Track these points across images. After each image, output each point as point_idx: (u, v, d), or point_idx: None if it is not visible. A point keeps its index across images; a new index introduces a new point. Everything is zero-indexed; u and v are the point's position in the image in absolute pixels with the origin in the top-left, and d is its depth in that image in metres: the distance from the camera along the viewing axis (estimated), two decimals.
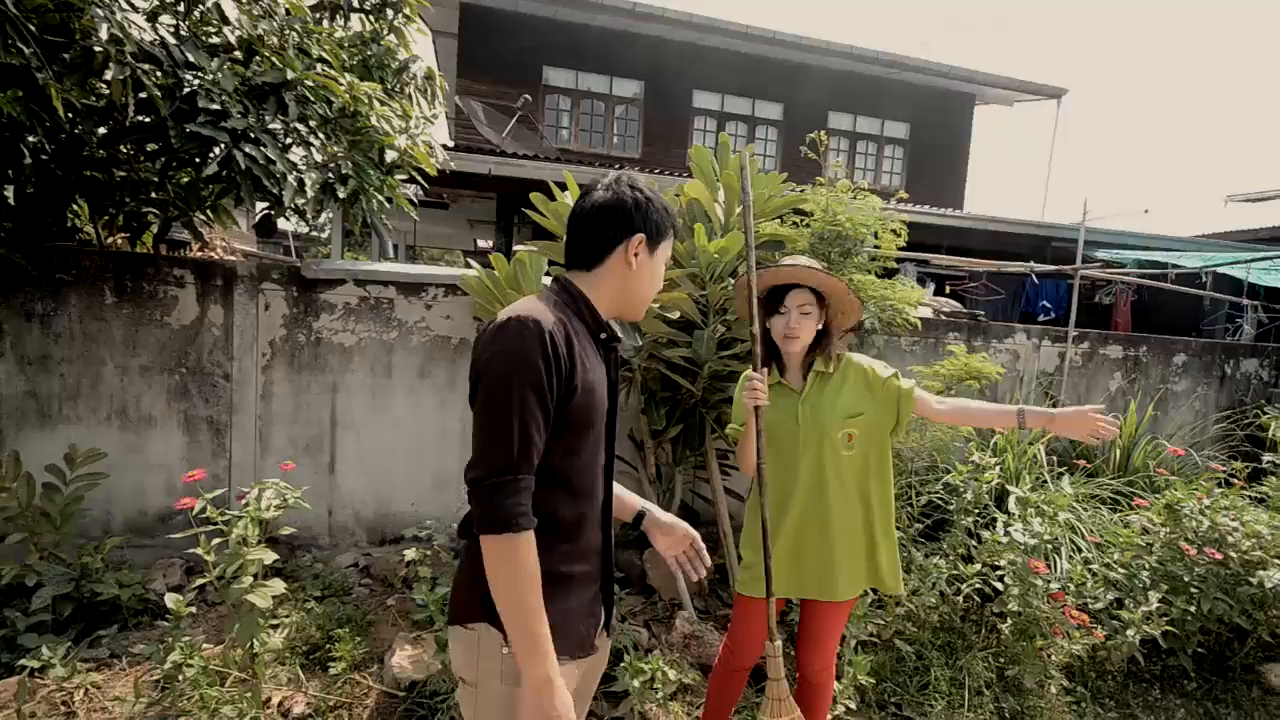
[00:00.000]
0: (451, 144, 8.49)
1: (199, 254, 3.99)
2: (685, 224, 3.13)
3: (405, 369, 3.47)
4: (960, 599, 2.82)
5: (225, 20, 2.46)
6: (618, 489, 1.54)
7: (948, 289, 7.23)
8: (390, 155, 3.42)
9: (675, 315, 2.70)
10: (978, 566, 2.76)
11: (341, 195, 3.20)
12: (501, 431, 1.12)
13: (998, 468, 3.30)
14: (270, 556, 2.34)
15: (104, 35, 1.83)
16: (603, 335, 1.32)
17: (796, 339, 1.92)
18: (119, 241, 3.92)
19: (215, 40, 2.92)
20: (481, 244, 13.04)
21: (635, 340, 2.57)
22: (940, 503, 3.27)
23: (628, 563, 3.31)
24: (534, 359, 1.13)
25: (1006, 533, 2.84)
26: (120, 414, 3.24)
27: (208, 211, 3.55)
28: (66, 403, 3.18)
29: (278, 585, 2.34)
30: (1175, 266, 6.64)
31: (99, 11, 1.80)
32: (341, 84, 3.24)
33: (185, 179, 3.33)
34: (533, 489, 1.15)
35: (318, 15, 4.18)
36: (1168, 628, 2.63)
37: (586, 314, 1.30)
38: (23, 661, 2.28)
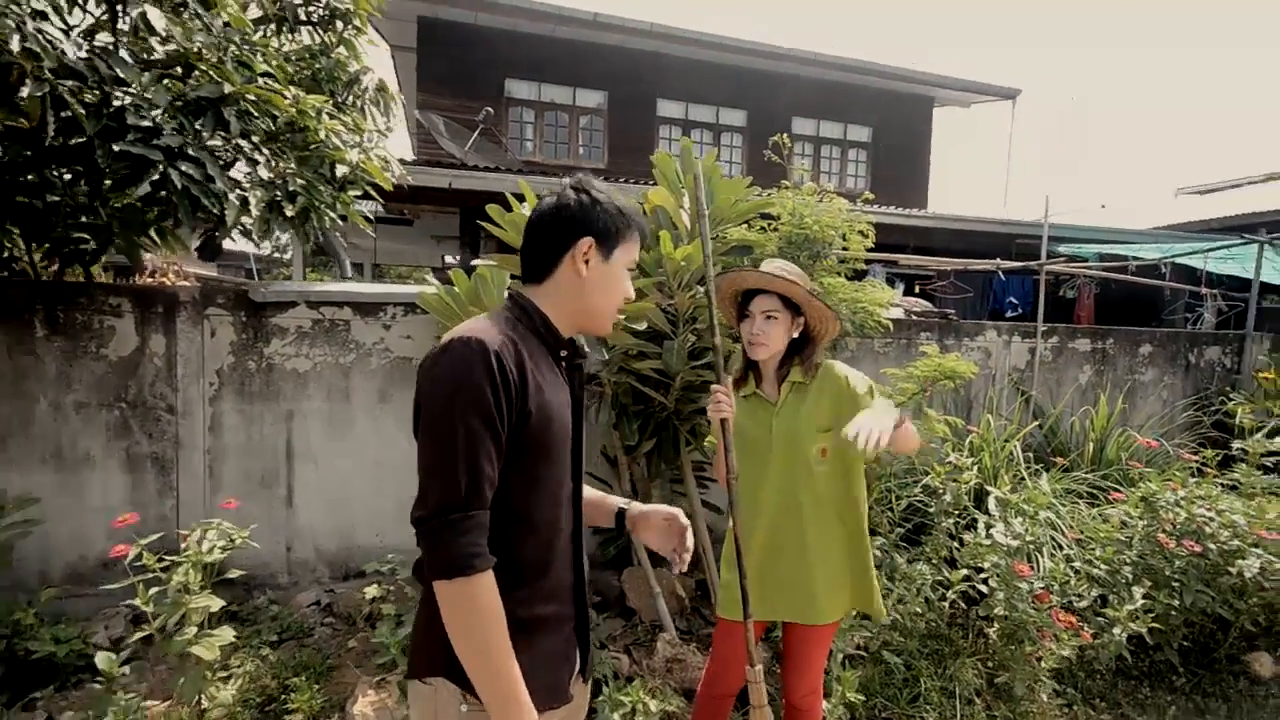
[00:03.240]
0: (414, 158, 8.34)
1: (143, 281, 3.79)
2: (651, 232, 3.04)
3: (365, 393, 3.31)
4: (946, 605, 2.76)
5: (153, 31, 2.30)
6: (591, 492, 1.44)
7: (917, 289, 7.28)
8: (341, 170, 3.28)
9: (642, 326, 2.61)
10: (963, 572, 2.70)
11: (290, 213, 3.05)
12: (447, 464, 1.01)
13: (975, 467, 3.26)
14: (216, 603, 2.18)
15: (15, 48, 1.68)
16: (563, 353, 1.22)
17: (761, 345, 1.84)
18: (53, 272, 3.70)
19: (153, 56, 2.77)
20: (449, 260, 12.84)
21: (601, 354, 2.47)
22: (920, 506, 3.22)
23: (605, 584, 3.19)
24: (479, 383, 1.02)
25: (988, 534, 2.79)
26: (55, 455, 3.02)
27: (153, 236, 3.37)
28: None
29: (225, 634, 2.19)
30: (1135, 258, 6.77)
31: (8, 23, 1.65)
32: (286, 97, 3.10)
33: (120, 202, 3.15)
34: (487, 525, 1.04)
35: (263, 29, 4.03)
36: (1154, 624, 2.60)
37: (542, 330, 1.19)
38: None
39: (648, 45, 10.58)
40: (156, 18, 2.29)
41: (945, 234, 8.14)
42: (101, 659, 1.95)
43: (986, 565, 2.71)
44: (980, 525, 2.91)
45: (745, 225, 3.63)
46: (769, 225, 3.67)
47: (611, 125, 10.99)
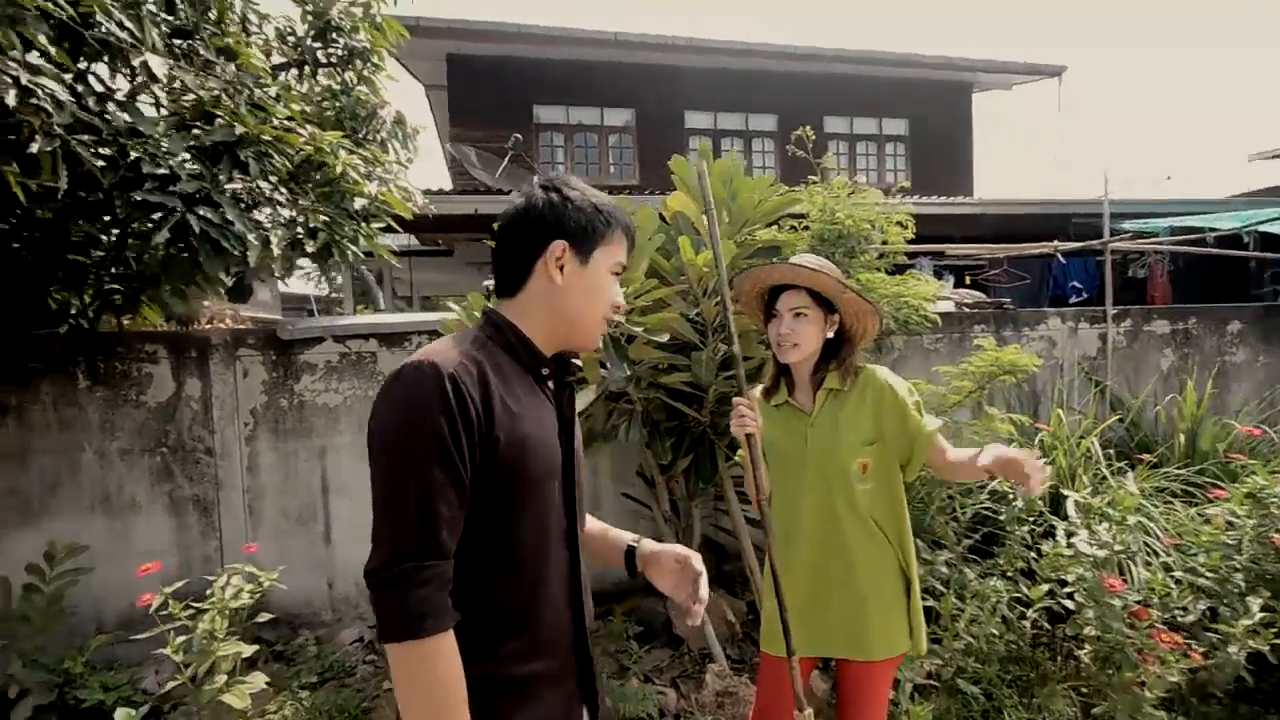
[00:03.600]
0: (449, 189, 8.49)
1: (203, 327, 3.89)
2: (673, 239, 2.91)
3: None
4: (1028, 625, 2.47)
5: (154, 79, 2.32)
6: (600, 527, 1.30)
7: (968, 280, 6.88)
8: (360, 203, 3.28)
9: (664, 338, 2.46)
10: (1044, 587, 2.42)
11: (310, 250, 3.05)
12: (397, 509, 0.89)
13: (1049, 468, 2.97)
14: (245, 649, 2.12)
15: (12, 101, 1.69)
16: (545, 372, 1.09)
17: (791, 347, 1.66)
18: (117, 321, 3.82)
19: (173, 104, 2.83)
20: (488, 285, 13.01)
21: (624, 370, 2.34)
22: (988, 513, 2.93)
23: (650, 610, 3.02)
24: (431, 413, 0.90)
25: (1069, 543, 2.50)
26: (103, 502, 3.08)
27: (198, 282, 3.43)
28: (48, 496, 3.04)
29: (257, 680, 2.12)
30: (1211, 230, 6.22)
31: (5, 78, 1.66)
32: (302, 135, 3.12)
33: (143, 251, 3.22)
34: (449, 577, 0.91)
35: (284, 73, 4.12)
36: (1276, 640, 2.26)
37: (518, 347, 1.06)
38: None
39: (671, 59, 10.55)
40: (158, 65, 2.30)
41: (994, 220, 7.70)
42: (121, 715, 1.91)
43: (1070, 578, 2.42)
44: (1059, 533, 2.62)
45: (775, 226, 3.47)
46: (799, 224, 3.49)
47: (641, 141, 10.96)
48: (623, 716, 2.23)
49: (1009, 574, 2.60)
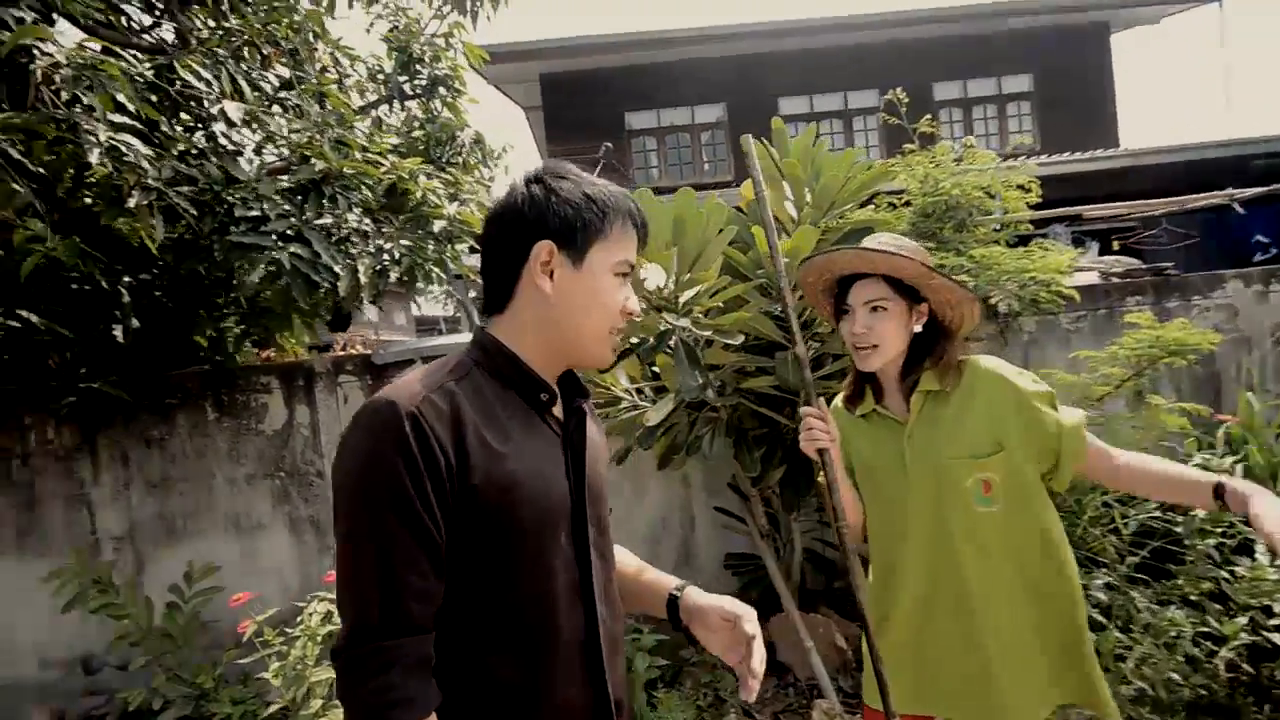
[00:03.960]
0: None
1: (335, 355, 4.18)
2: (749, 230, 2.68)
3: None
4: (1221, 665, 1.99)
5: (231, 124, 2.46)
6: (637, 566, 1.11)
7: (1116, 245, 5.95)
8: (439, 225, 3.33)
9: (739, 339, 2.23)
10: (1242, 618, 1.93)
11: (394, 275, 3.14)
12: (354, 578, 0.77)
13: (1239, 467, 2.40)
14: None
15: (95, 159, 1.82)
16: (544, 397, 0.92)
17: (872, 348, 1.35)
18: (264, 355, 4.18)
19: (275, 151, 3.02)
20: None
21: (695, 378, 2.14)
22: (1158, 525, 2.42)
23: None
24: (389, 460, 0.76)
25: (1275, 562, 1.99)
26: (234, 524, 3.33)
27: (296, 314, 3.67)
28: (189, 519, 3.33)
29: None
30: None
31: (90, 138, 1.79)
32: (383, 165, 3.22)
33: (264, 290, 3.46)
34: (423, 654, 0.77)
35: (374, 108, 4.33)
36: None
37: (508, 372, 0.90)
38: None
39: (762, 46, 10.18)
40: (234, 110, 2.43)
41: (1146, 174, 6.65)
42: None
43: (1278, 606, 1.92)
44: (1259, 548, 2.10)
45: (872, 206, 3.13)
46: (900, 201, 3.13)
47: (734, 135, 10.66)
48: None
49: (1193, 599, 2.11)
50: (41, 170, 2.00)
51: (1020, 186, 2.85)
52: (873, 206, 3.17)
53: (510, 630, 0.84)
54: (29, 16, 1.89)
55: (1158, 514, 2.44)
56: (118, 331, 3.18)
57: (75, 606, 2.63)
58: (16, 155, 1.83)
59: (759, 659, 0.92)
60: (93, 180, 2.29)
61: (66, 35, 2.42)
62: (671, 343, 2.17)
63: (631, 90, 10.51)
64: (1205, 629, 2.02)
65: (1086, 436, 1.33)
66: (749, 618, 0.95)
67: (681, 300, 2.35)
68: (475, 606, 0.82)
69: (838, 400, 1.53)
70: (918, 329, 1.37)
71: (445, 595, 0.80)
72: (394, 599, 0.75)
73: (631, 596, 1.09)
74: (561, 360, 0.95)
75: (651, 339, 2.13)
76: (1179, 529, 2.29)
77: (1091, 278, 3.34)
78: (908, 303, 1.36)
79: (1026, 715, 1.30)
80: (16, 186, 1.82)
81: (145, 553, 3.30)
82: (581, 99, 10.60)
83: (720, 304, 2.43)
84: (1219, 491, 1.21)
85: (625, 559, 1.14)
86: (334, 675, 1.08)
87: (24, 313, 2.81)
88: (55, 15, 2.10)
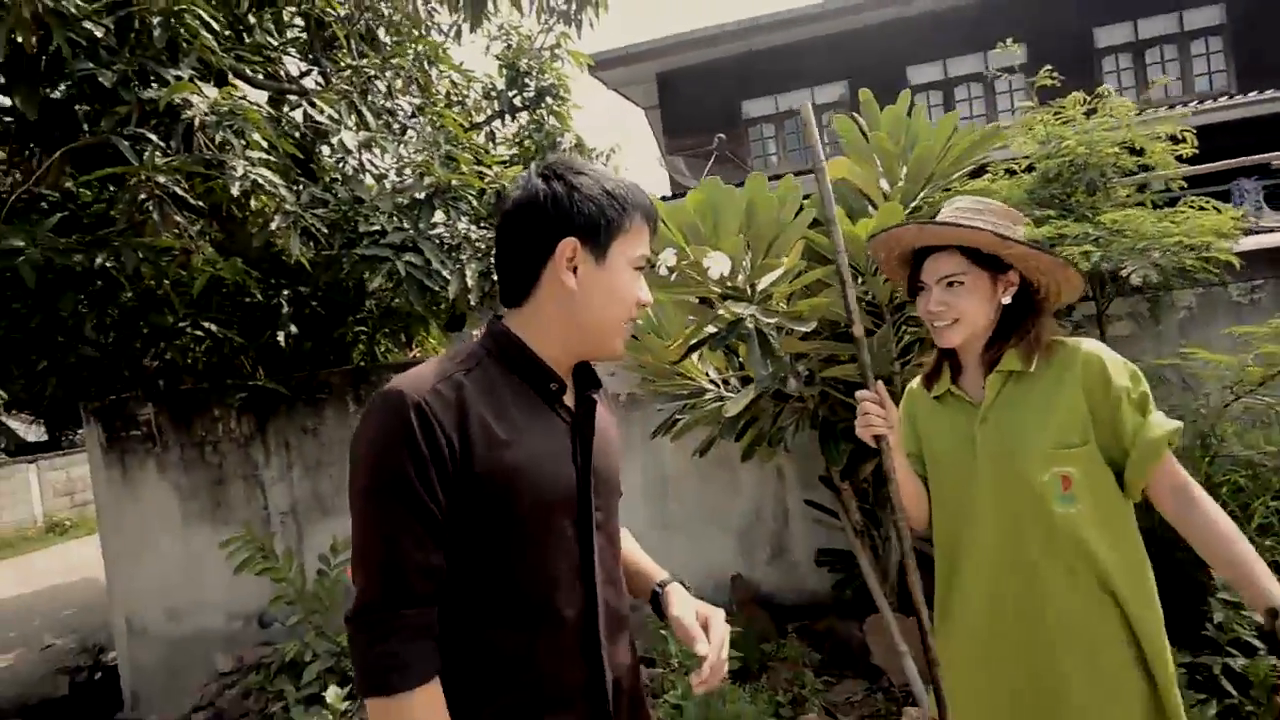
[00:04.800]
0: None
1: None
2: (839, 207, 2.55)
3: None
4: None
5: (348, 150, 2.77)
6: (634, 555, 1.14)
7: None
8: None
9: (809, 327, 2.13)
10: None
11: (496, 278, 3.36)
12: (364, 555, 0.84)
13: None
14: None
15: (236, 191, 2.15)
16: (553, 386, 0.95)
17: (952, 324, 1.24)
18: (413, 354, 4.71)
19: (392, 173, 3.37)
20: None
21: (766, 367, 2.08)
22: None
23: (846, 633, 2.66)
24: (394, 446, 0.83)
25: None
26: None
27: (415, 317, 4.07)
28: (335, 498, 3.80)
29: None
30: None
31: (232, 174, 2.12)
32: (488, 176, 3.46)
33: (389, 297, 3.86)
34: (425, 625, 0.84)
35: (489, 123, 4.66)
36: None
37: (519, 362, 0.94)
38: None
39: (887, 14, 9.53)
40: (350, 139, 2.73)
41: None
42: (331, 693, 2.25)
43: None
44: None
45: (987, 176, 2.86)
46: (1021, 166, 2.82)
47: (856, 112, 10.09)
48: None
49: None
50: (200, 204, 2.39)
51: (1171, 138, 2.44)
52: (989, 176, 2.88)
53: (511, 607, 0.89)
54: (187, 74, 2.27)
55: None
56: (280, 337, 3.71)
57: (244, 570, 3.10)
58: (180, 192, 2.21)
59: (718, 658, 0.95)
60: (247, 210, 2.69)
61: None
62: (744, 332, 2.13)
63: (746, 78, 10.31)
64: None
65: (1166, 456, 1.14)
66: (718, 622, 0.99)
67: (759, 287, 2.30)
68: (479, 584, 0.87)
69: (915, 380, 1.42)
70: (1006, 300, 1.24)
71: (451, 573, 0.86)
72: (397, 575, 0.82)
73: (636, 589, 1.12)
74: (578, 352, 0.97)
75: (722, 329, 2.10)
76: None
77: (1262, 242, 2.79)
78: (990, 273, 1.23)
79: None
80: (179, 219, 2.20)
81: (304, 526, 3.82)
82: (697, 93, 10.58)
83: (799, 290, 2.34)
84: (1273, 616, 1.03)
85: (632, 546, 1.17)
86: None
87: (207, 324, 3.37)
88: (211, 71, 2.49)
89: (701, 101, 10.52)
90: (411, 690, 0.80)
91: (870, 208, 2.48)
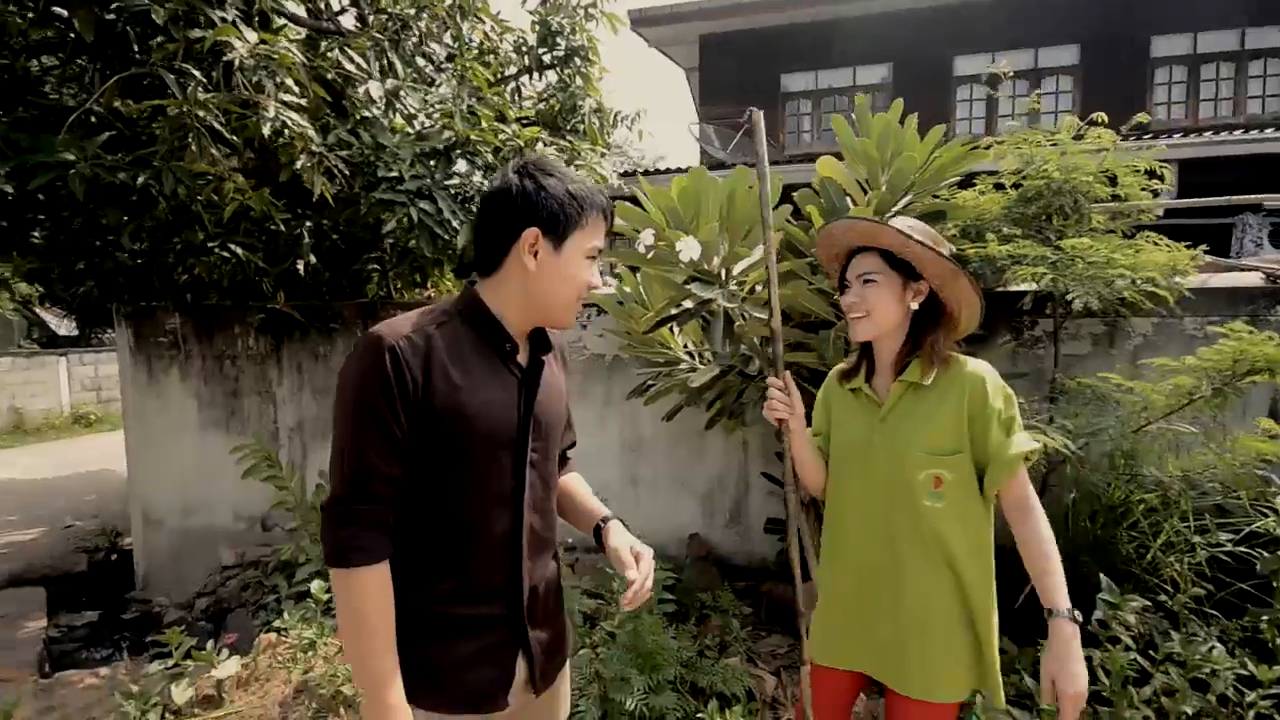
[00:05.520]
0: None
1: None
2: (823, 207, 2.71)
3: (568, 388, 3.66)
4: (1251, 714, 1.82)
5: (372, 100, 2.95)
6: (582, 493, 1.38)
7: None
8: None
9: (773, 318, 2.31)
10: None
11: None
12: (338, 460, 1.06)
13: None
14: None
15: (267, 132, 2.36)
16: (508, 346, 1.16)
17: (858, 320, 1.41)
18: (426, 294, 4.94)
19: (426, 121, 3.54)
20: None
21: (724, 348, 2.27)
22: (1242, 562, 2.18)
23: (780, 595, 2.93)
24: (371, 378, 1.04)
25: None
26: None
27: (426, 261, 4.28)
28: None
29: None
30: None
31: (264, 114, 2.33)
32: (504, 133, 3.62)
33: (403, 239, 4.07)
34: (380, 519, 1.06)
35: (517, 80, 4.77)
36: None
37: (481, 323, 1.14)
38: (275, 623, 2.97)
39: (938, 0, 9.31)
40: (375, 89, 2.91)
41: None
42: (315, 585, 2.56)
43: None
44: None
45: (976, 189, 2.97)
46: (1010, 182, 2.93)
47: (897, 98, 9.93)
48: (709, 691, 2.25)
49: (1236, 642, 1.93)
50: (234, 138, 2.61)
51: (1149, 171, 2.55)
52: (977, 189, 3.00)
53: (453, 520, 1.11)
54: (231, 15, 2.46)
55: (1246, 550, 2.21)
56: (300, 266, 3.96)
57: (250, 476, 3.42)
58: (217, 126, 2.42)
59: (643, 582, 1.19)
60: (277, 145, 2.90)
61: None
62: (710, 312, 2.33)
63: (789, 51, 10.17)
64: (1247, 672, 1.85)
65: (1018, 472, 1.34)
66: (647, 554, 1.23)
67: (734, 272, 2.48)
68: (427, 495, 1.10)
69: (833, 371, 1.62)
70: (914, 305, 1.41)
71: (409, 486, 1.08)
72: (364, 479, 1.05)
73: (572, 515, 1.37)
74: (534, 320, 1.18)
75: (688, 308, 2.30)
76: (1259, 567, 2.07)
77: (1248, 279, 2.89)
78: (902, 277, 1.40)
79: (938, 687, 1.38)
80: (213, 151, 2.42)
81: (308, 443, 4.14)
82: (738, 60, 10.46)
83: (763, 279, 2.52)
84: (1049, 614, 1.31)
85: (577, 486, 1.41)
86: None
87: (233, 246, 3.63)
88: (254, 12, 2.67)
89: (741, 70, 10.42)
90: (366, 567, 1.03)
91: (846, 204, 2.63)
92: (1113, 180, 2.61)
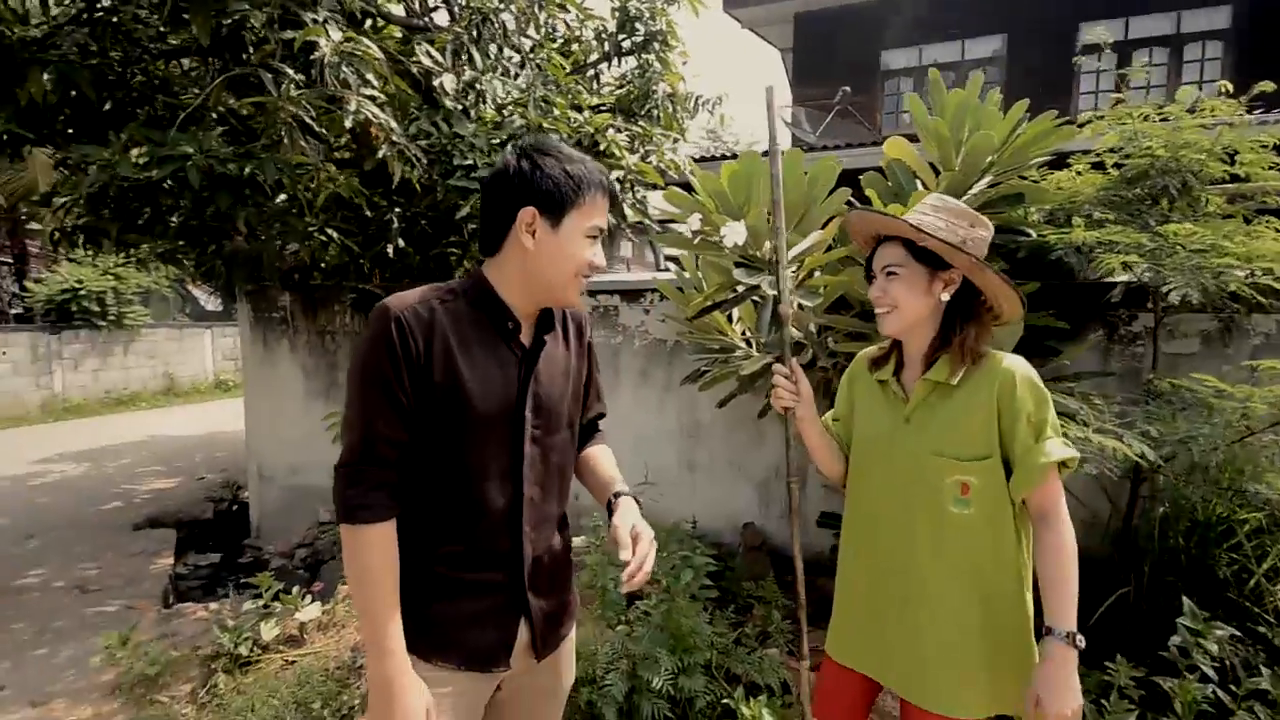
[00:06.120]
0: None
1: None
2: (889, 190, 2.58)
3: (630, 371, 3.71)
4: None
5: (445, 93, 3.09)
6: (604, 465, 1.39)
7: None
8: (616, 174, 3.73)
9: (815, 301, 2.23)
10: None
11: None
12: (349, 425, 1.14)
13: None
14: None
15: (349, 123, 2.55)
16: (509, 324, 1.20)
17: (884, 313, 1.34)
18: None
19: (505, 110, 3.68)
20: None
21: (768, 334, 2.22)
22: None
23: (828, 590, 2.85)
24: (377, 348, 1.10)
25: None
26: None
27: None
28: None
29: None
30: None
31: (349, 107, 2.53)
32: (577, 120, 3.70)
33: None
34: (386, 480, 1.12)
35: (593, 68, 4.84)
36: None
37: (484, 302, 1.19)
38: None
39: None
40: (449, 81, 3.05)
41: None
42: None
43: None
44: None
45: (1071, 170, 2.73)
46: (1113, 161, 2.66)
47: (1012, 73, 9.18)
48: (744, 679, 2.24)
49: None
50: (324, 131, 2.83)
51: (1266, 144, 2.23)
52: (1073, 170, 2.75)
53: (452, 484, 1.17)
54: (322, 16, 2.67)
55: None
56: (389, 249, 4.24)
57: (340, 441, 3.74)
58: (308, 120, 2.64)
59: (639, 563, 1.16)
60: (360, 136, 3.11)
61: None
62: (758, 298, 2.29)
63: (890, 26, 9.61)
64: None
65: (1048, 480, 1.25)
66: (646, 535, 1.20)
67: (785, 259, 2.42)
68: (431, 462, 1.16)
69: (862, 354, 1.54)
70: (945, 297, 1.32)
71: (417, 457, 1.14)
72: (370, 442, 1.11)
73: (592, 486, 1.39)
74: (536, 299, 1.21)
75: (736, 294, 2.27)
76: None
77: None
78: (927, 269, 1.31)
79: (955, 702, 1.30)
80: (304, 144, 2.64)
81: None
82: (835, 38, 10.02)
83: (829, 264, 2.44)
84: (1047, 631, 1.23)
85: (601, 458, 1.42)
86: None
87: (331, 231, 3.94)
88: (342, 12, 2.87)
89: (837, 48, 9.97)
90: (371, 524, 1.10)
91: (916, 186, 2.49)
92: (1232, 158, 2.31)
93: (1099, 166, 2.68)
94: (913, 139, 2.65)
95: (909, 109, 2.59)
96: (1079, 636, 1.19)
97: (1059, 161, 2.78)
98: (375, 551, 1.11)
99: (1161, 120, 2.45)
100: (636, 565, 1.17)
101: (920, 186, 2.53)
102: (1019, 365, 1.29)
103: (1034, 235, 2.39)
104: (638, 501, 1.33)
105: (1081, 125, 2.54)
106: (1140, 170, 2.39)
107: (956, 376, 1.30)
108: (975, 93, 2.42)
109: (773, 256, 2.41)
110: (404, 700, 1.09)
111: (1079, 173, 2.73)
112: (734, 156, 7.75)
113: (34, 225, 11.46)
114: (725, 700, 2.02)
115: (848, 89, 8.44)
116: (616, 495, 1.31)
